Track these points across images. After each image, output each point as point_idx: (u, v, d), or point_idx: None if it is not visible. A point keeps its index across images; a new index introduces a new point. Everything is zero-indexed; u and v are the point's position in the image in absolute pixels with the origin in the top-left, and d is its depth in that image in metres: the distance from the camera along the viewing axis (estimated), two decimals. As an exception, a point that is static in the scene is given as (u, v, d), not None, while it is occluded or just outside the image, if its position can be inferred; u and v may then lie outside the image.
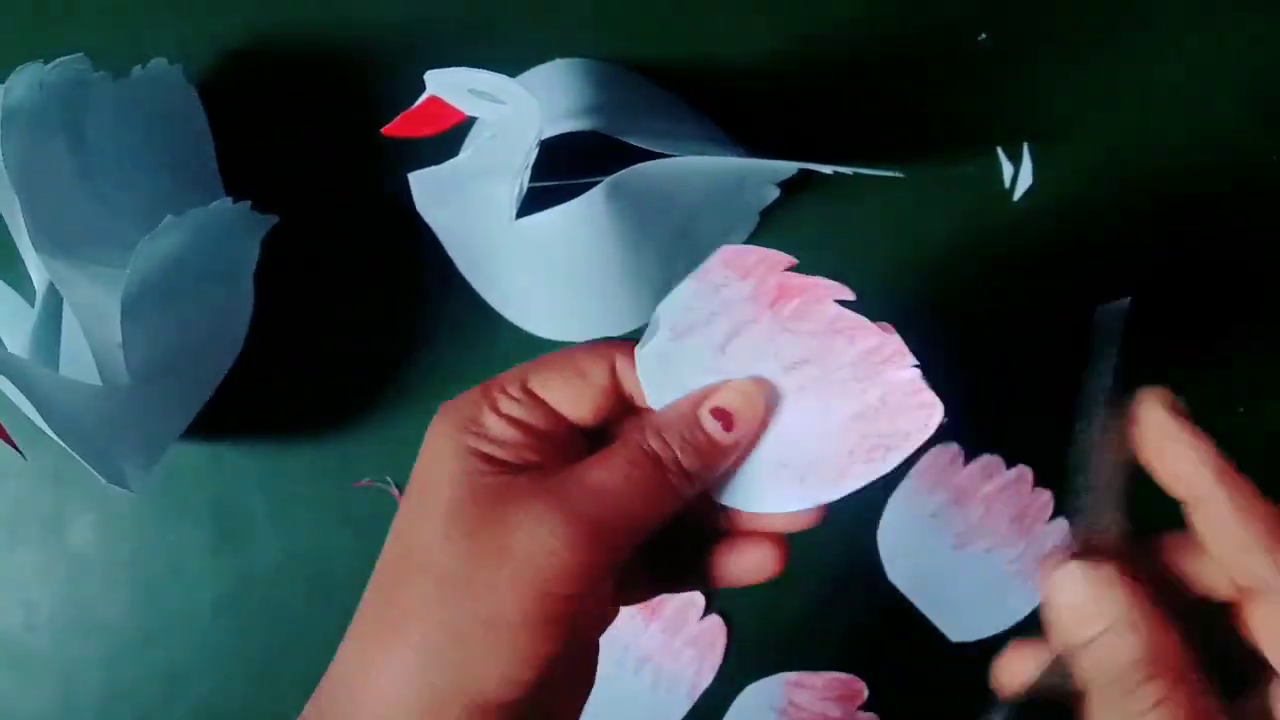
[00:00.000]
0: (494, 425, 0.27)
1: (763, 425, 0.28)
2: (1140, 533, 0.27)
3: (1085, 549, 0.27)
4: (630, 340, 0.29)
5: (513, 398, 0.27)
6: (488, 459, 0.27)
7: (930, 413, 0.29)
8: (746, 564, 0.30)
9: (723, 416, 0.28)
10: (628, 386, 0.28)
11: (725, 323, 0.30)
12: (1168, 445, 0.27)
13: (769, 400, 0.28)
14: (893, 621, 0.44)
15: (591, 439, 0.29)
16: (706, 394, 0.28)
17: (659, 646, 0.44)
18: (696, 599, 0.44)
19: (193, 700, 0.47)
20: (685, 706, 0.45)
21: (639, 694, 0.44)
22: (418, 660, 0.25)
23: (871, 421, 0.29)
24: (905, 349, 0.29)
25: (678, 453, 0.27)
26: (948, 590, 0.44)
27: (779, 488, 0.29)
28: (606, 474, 0.26)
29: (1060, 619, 0.26)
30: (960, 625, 0.44)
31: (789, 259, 0.31)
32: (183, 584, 0.47)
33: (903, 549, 0.44)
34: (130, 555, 0.47)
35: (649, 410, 0.28)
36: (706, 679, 0.44)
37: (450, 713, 0.25)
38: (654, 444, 0.27)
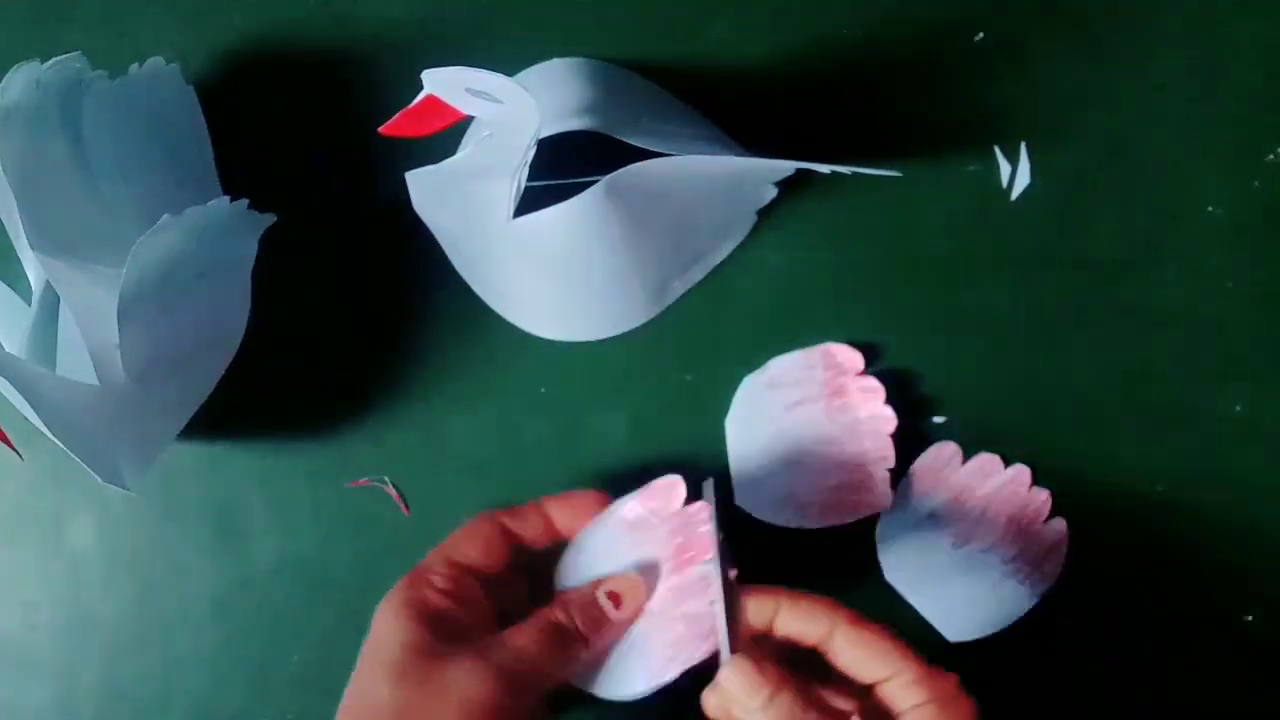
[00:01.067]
0: (432, 596, 0.36)
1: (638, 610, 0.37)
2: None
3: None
4: (511, 509, 0.40)
5: (441, 573, 0.36)
6: (431, 625, 0.35)
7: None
8: None
9: (614, 598, 0.36)
10: (526, 535, 0.39)
11: (798, 392, 0.45)
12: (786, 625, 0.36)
13: (650, 589, 0.37)
14: (890, 622, 0.44)
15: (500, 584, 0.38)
16: (602, 581, 0.37)
17: (658, 611, 0.42)
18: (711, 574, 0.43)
19: (190, 699, 0.47)
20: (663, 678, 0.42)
21: (628, 644, 0.39)
22: None
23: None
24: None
25: (578, 623, 0.36)
26: (945, 590, 0.44)
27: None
28: (523, 639, 0.35)
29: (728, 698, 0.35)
30: (958, 625, 0.44)
31: (859, 367, 0.45)
32: (180, 583, 0.47)
33: (900, 549, 0.44)
34: (128, 555, 0.47)
35: (559, 594, 0.38)
36: (674, 672, 0.41)
37: None
38: (560, 615, 0.36)
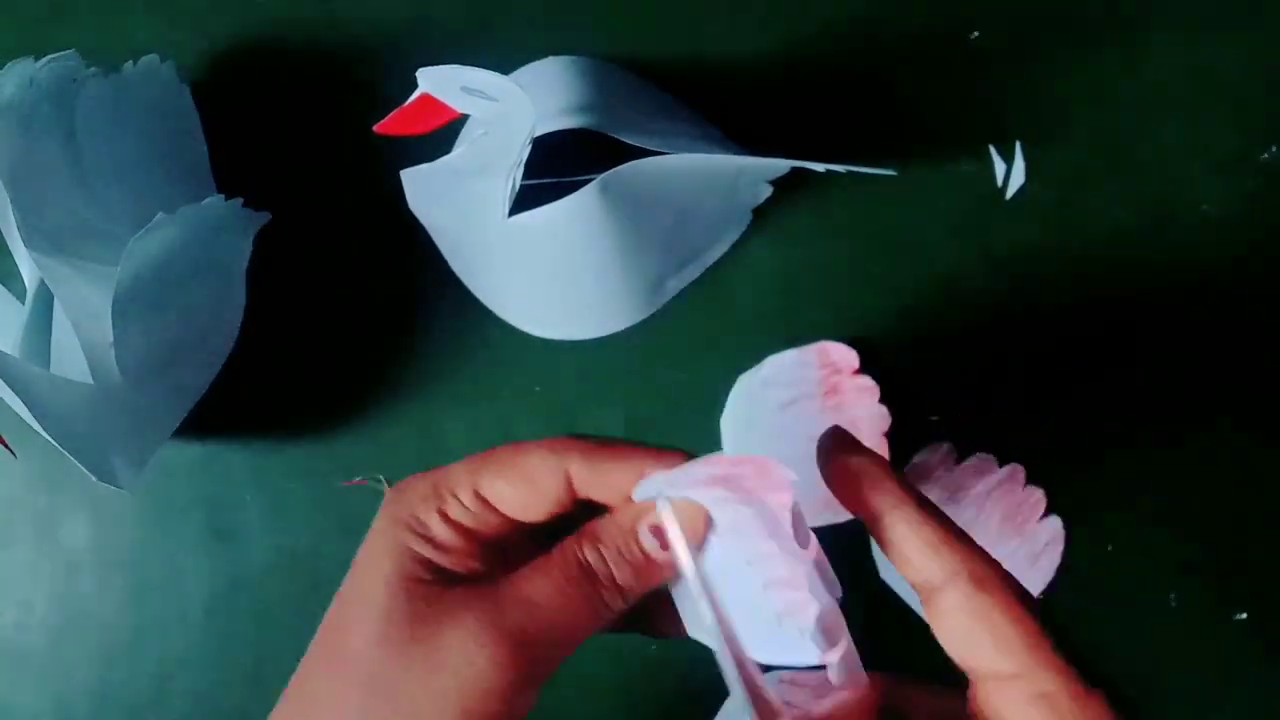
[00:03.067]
0: (439, 529, 0.27)
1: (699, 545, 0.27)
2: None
3: None
4: (585, 438, 0.27)
5: (462, 503, 0.27)
6: (427, 564, 0.26)
7: None
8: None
9: (660, 534, 0.26)
10: (582, 490, 0.27)
11: (793, 391, 0.44)
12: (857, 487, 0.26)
13: (707, 523, 0.26)
14: (887, 623, 0.44)
15: (543, 532, 0.28)
16: (646, 509, 0.26)
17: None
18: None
19: (185, 698, 0.47)
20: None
21: None
22: None
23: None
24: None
25: (612, 567, 0.26)
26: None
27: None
28: (539, 587, 0.26)
29: None
30: None
31: (854, 365, 0.44)
32: (175, 582, 0.47)
33: None
34: (122, 554, 0.47)
35: (589, 522, 0.27)
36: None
37: None
38: (589, 556, 0.26)
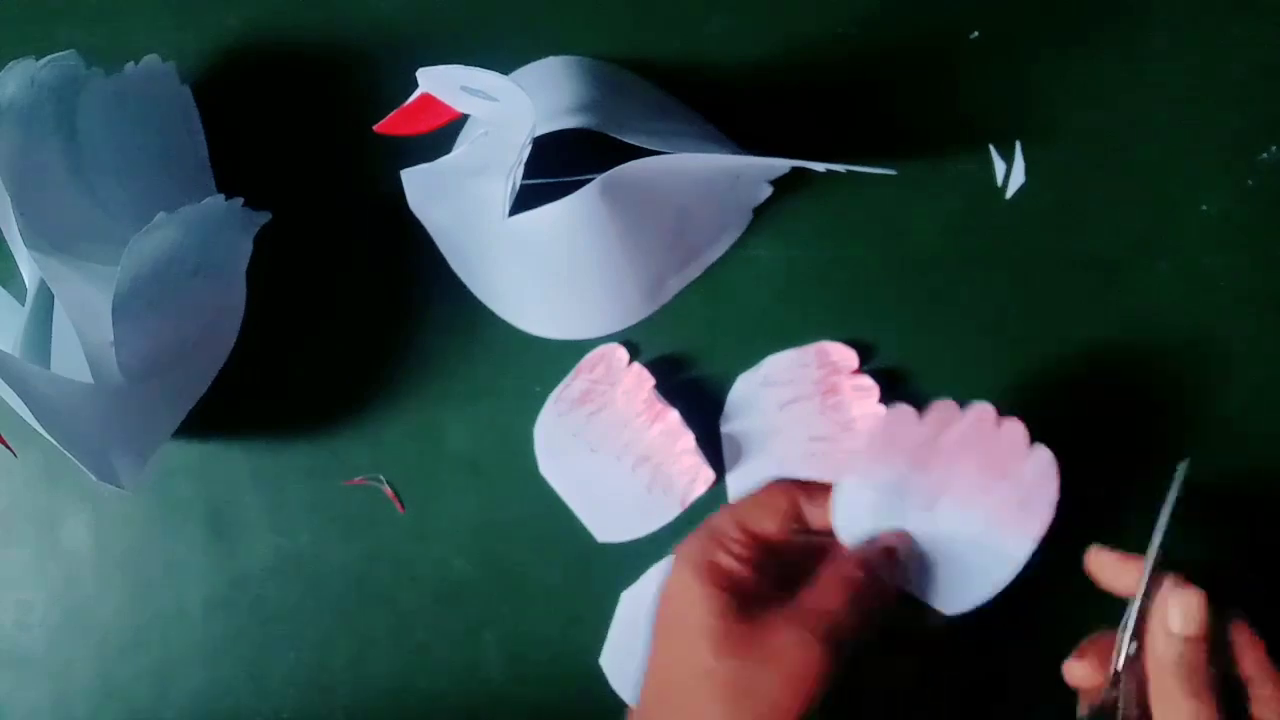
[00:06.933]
0: (726, 561, 0.35)
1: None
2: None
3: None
4: (805, 483, 0.37)
5: (738, 540, 0.35)
6: (731, 589, 0.34)
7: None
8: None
9: (889, 554, 0.36)
10: (808, 518, 0.37)
11: (792, 390, 0.45)
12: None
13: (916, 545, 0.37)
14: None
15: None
16: (883, 537, 0.37)
17: (659, 449, 0.45)
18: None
19: (185, 698, 0.47)
20: (675, 511, 0.45)
21: (634, 490, 0.45)
22: None
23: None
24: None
25: (872, 579, 0.35)
26: (926, 562, 0.37)
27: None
28: (831, 601, 0.34)
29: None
30: (952, 596, 0.37)
31: (853, 365, 0.45)
32: (175, 582, 0.47)
33: (867, 531, 0.37)
34: (123, 553, 0.47)
35: (838, 544, 0.37)
36: (699, 490, 0.44)
37: None
38: (859, 572, 0.35)
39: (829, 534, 0.37)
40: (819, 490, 0.37)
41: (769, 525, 0.36)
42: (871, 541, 0.37)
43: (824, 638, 0.33)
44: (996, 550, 0.37)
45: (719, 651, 0.32)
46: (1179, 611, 0.34)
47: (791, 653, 0.32)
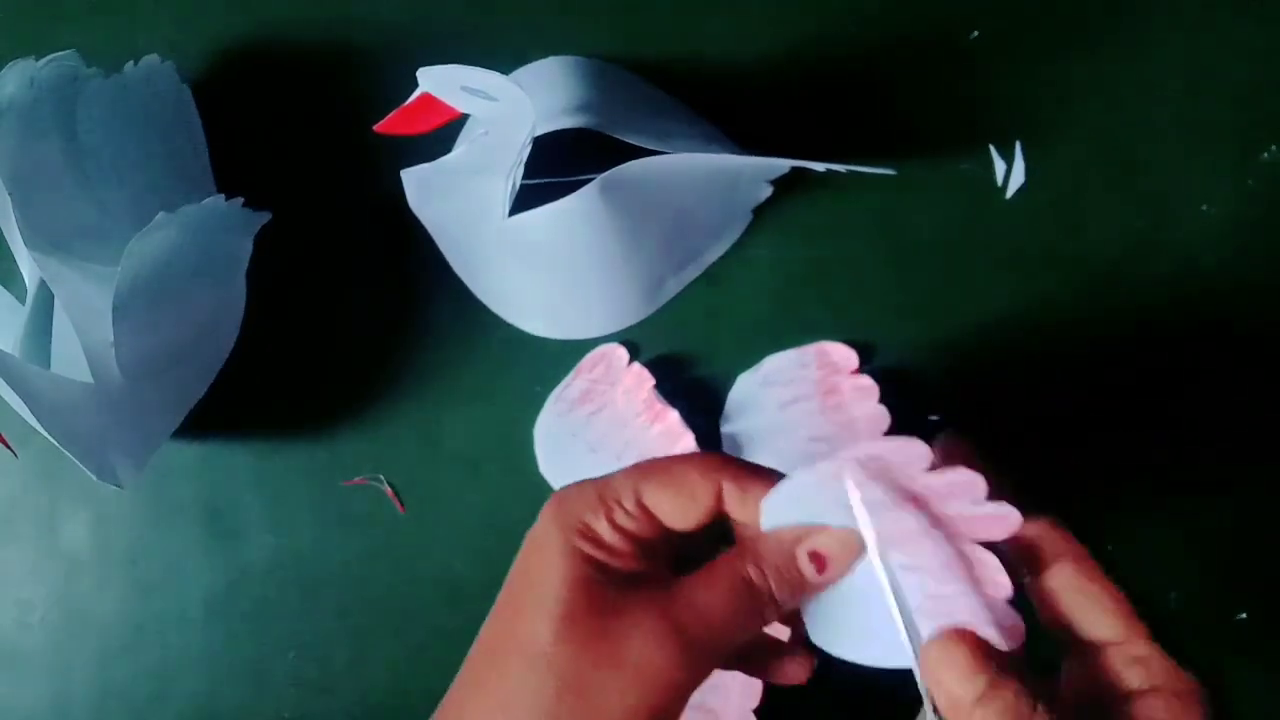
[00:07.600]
0: (607, 534, 0.29)
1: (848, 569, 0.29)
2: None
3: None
4: (735, 461, 0.30)
5: (627, 511, 0.29)
6: (599, 566, 0.29)
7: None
8: (787, 671, 0.33)
9: (817, 560, 0.29)
10: (729, 509, 0.30)
11: (792, 391, 0.44)
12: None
13: (860, 549, 0.29)
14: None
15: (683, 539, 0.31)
16: (807, 533, 0.29)
17: (659, 449, 0.45)
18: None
19: (185, 698, 0.47)
20: None
21: None
22: None
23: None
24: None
25: (772, 584, 0.29)
26: (839, 597, 0.30)
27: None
28: (708, 595, 0.28)
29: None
30: (836, 641, 0.31)
31: (853, 365, 0.44)
32: (175, 582, 0.47)
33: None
34: (123, 553, 0.47)
35: (749, 538, 0.30)
36: None
37: None
38: (752, 573, 0.29)
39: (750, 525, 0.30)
40: (753, 481, 0.30)
41: (674, 518, 0.30)
42: (799, 536, 0.29)
43: (686, 640, 0.28)
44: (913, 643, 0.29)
45: (560, 634, 0.27)
46: (953, 678, 0.27)
47: (644, 651, 0.27)
